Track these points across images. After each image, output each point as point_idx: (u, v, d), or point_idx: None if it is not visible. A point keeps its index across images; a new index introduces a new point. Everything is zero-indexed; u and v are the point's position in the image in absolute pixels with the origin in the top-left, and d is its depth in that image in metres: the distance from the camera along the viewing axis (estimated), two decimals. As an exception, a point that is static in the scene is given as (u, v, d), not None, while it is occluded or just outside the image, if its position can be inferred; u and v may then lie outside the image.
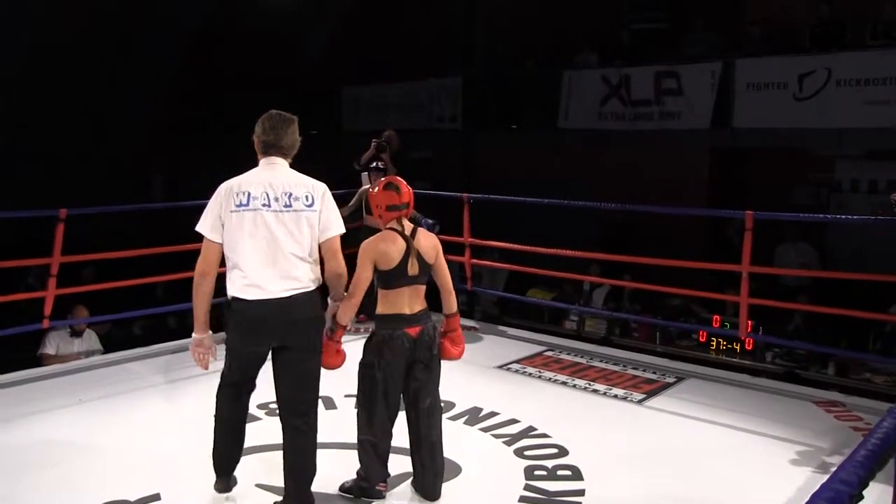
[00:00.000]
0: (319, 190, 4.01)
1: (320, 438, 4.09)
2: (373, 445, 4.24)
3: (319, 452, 4.11)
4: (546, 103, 12.63)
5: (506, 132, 13.43)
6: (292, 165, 4.19)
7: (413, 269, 4.19)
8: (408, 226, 4.27)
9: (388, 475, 4.36)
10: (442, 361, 4.35)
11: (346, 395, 5.75)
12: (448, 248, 8.13)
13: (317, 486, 4.11)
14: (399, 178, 4.42)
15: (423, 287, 4.32)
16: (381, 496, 4.33)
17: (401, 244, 4.18)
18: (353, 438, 4.32)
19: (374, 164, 7.78)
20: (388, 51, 15.06)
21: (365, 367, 4.23)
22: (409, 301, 4.23)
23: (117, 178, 16.18)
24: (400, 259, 4.16)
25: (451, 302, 4.46)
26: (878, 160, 10.56)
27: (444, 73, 14.37)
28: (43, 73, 15.19)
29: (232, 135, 18.57)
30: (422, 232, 4.33)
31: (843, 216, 9.84)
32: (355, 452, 4.31)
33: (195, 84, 18.04)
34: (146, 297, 9.19)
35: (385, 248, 4.16)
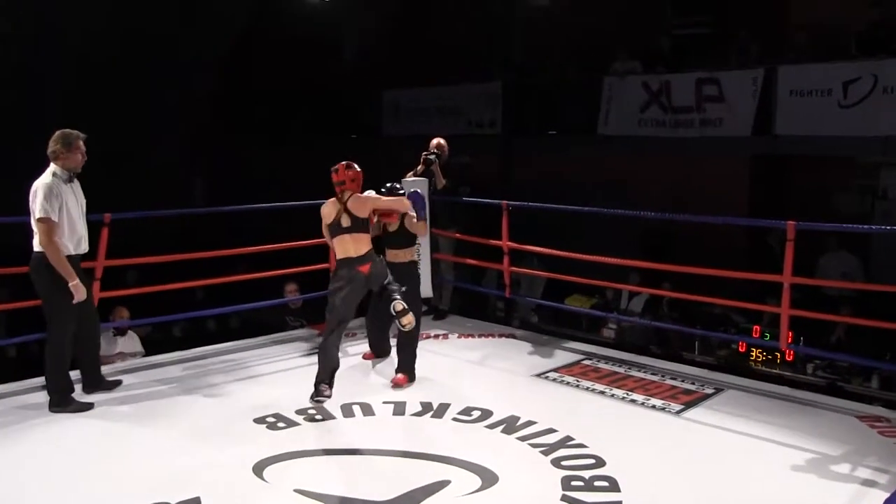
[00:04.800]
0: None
1: (345, 444, 4.12)
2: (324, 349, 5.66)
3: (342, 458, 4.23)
4: (586, 109, 12.58)
5: (545, 138, 13.39)
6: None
7: (346, 222, 5.77)
8: (347, 194, 5.82)
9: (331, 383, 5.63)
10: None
11: (385, 402, 5.79)
12: (487, 255, 8.21)
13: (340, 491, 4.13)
14: (346, 163, 5.86)
15: (362, 235, 5.79)
16: (323, 396, 5.53)
17: (337, 206, 5.83)
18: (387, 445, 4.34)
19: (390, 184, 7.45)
20: (428, 55, 15.09)
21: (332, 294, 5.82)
22: (353, 246, 5.75)
23: (160, 181, 16.38)
24: (334, 216, 5.81)
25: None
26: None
27: (484, 77, 14.37)
28: (87, 77, 15.42)
29: (271, 137, 18.75)
30: (355, 197, 5.83)
31: (888, 227, 9.69)
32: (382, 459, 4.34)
33: (236, 88, 18.22)
34: (187, 300, 9.29)
35: (325, 210, 5.91)
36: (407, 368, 6.28)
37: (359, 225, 5.78)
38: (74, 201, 5.54)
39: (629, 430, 5.50)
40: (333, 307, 5.74)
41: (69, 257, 5.45)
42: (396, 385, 6.14)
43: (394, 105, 15.82)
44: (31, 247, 5.48)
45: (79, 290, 5.42)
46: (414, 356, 6.33)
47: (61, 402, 5.54)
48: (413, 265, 6.72)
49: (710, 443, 5.30)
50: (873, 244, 10.54)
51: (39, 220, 5.32)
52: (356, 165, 5.90)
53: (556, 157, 13.07)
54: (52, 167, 5.47)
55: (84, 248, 5.65)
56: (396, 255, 6.55)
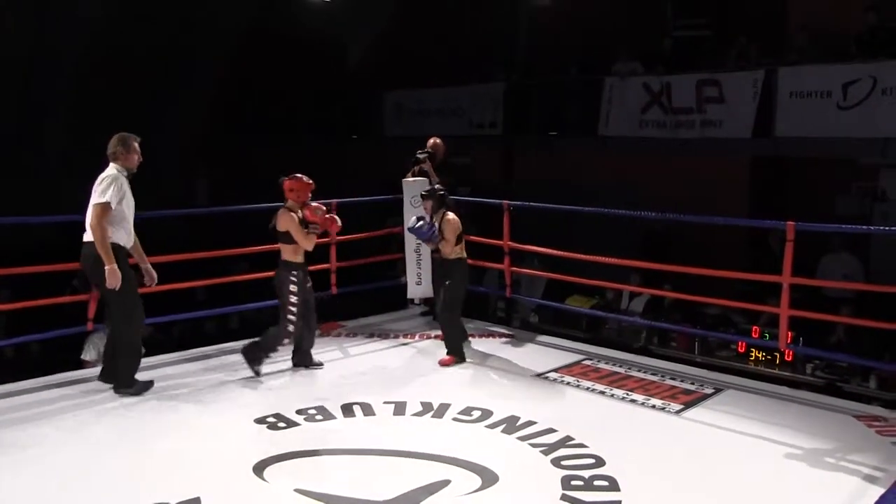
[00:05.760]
0: None
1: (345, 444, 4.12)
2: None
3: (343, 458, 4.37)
4: (587, 110, 12.57)
5: (546, 139, 13.40)
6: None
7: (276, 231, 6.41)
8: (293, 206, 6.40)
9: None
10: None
11: (385, 402, 5.81)
12: (488, 255, 8.22)
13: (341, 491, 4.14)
14: (290, 176, 6.39)
15: (281, 245, 6.45)
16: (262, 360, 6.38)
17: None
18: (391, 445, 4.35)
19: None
20: (430, 56, 15.09)
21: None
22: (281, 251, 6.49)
23: (162, 181, 16.38)
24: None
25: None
26: (924, 170, 10.40)
27: (486, 78, 14.37)
28: (88, 79, 15.44)
29: (273, 138, 18.70)
30: (282, 211, 6.37)
31: (888, 228, 9.69)
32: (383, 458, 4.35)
33: (238, 89, 18.21)
34: (187, 301, 9.28)
35: None
36: (450, 349, 6.94)
37: (280, 236, 6.41)
38: (130, 198, 5.89)
39: (629, 429, 5.53)
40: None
41: (123, 248, 5.83)
42: (443, 365, 6.79)
43: (396, 106, 15.82)
44: (82, 240, 5.76)
45: (115, 275, 5.61)
46: (454, 338, 6.96)
47: (128, 383, 5.92)
48: (460, 261, 7.09)
49: (709, 442, 5.32)
50: (872, 245, 10.55)
51: (98, 203, 5.62)
52: (303, 177, 6.38)
53: (557, 157, 13.07)
54: (113, 166, 5.81)
55: (132, 243, 6.00)
56: (445, 253, 7.05)
